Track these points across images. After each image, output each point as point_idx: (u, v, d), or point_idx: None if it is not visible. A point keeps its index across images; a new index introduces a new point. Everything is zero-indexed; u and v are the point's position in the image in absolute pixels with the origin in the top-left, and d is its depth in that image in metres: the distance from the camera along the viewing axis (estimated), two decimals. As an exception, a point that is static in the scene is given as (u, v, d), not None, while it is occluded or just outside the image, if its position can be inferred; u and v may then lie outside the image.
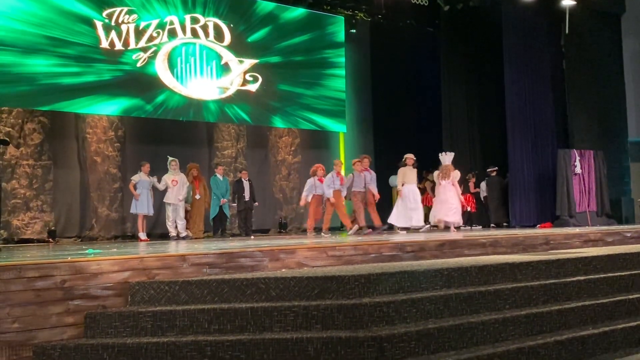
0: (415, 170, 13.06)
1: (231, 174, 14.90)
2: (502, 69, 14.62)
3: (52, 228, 12.57)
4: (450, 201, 12.57)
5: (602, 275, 7.02)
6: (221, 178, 13.72)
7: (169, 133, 13.99)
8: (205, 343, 5.06)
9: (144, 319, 5.40)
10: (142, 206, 12.35)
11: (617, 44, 15.85)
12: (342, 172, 13.20)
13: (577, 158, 14.06)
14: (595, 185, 14.38)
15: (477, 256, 7.98)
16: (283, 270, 6.60)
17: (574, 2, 14.08)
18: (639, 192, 15.69)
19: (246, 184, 13.95)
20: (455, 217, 12.62)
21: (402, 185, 12.80)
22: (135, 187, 12.33)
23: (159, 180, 12.58)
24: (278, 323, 5.29)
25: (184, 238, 12.40)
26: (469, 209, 15.13)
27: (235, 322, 5.32)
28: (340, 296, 5.51)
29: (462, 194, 13.53)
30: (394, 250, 7.54)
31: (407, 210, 12.65)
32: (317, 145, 16.64)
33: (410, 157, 12.90)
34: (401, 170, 12.91)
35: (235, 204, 13.85)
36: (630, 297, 6.70)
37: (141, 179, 12.42)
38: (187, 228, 12.80)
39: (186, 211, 12.91)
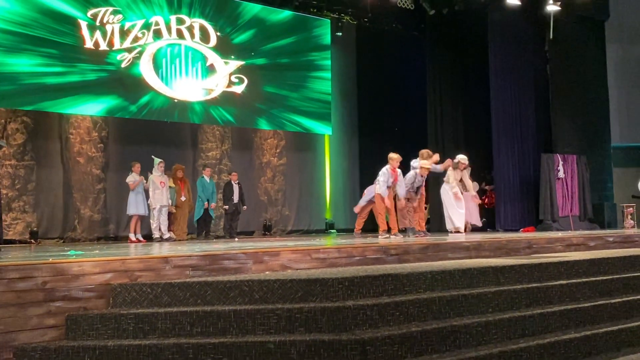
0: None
1: (215, 175, 14.85)
2: (487, 73, 14.69)
3: (34, 229, 12.47)
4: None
5: (584, 280, 7.06)
6: (208, 180, 13.70)
7: (153, 134, 13.93)
8: (187, 346, 5.03)
9: (125, 321, 5.36)
10: (138, 207, 12.27)
11: (601, 50, 15.99)
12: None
13: (561, 163, 14.16)
14: (578, 190, 14.48)
15: (460, 259, 8.00)
16: (267, 272, 6.58)
17: (559, 8, 14.19)
18: (621, 197, 15.81)
19: (236, 187, 13.92)
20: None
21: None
22: (134, 186, 12.29)
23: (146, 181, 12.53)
24: (261, 326, 5.27)
25: (167, 239, 12.34)
26: None
27: (218, 324, 5.30)
28: (324, 299, 5.50)
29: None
30: (378, 253, 7.54)
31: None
32: (303, 148, 16.64)
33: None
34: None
35: (227, 207, 13.80)
36: (612, 301, 6.74)
37: (135, 179, 12.36)
38: (170, 230, 12.73)
39: (171, 213, 12.84)
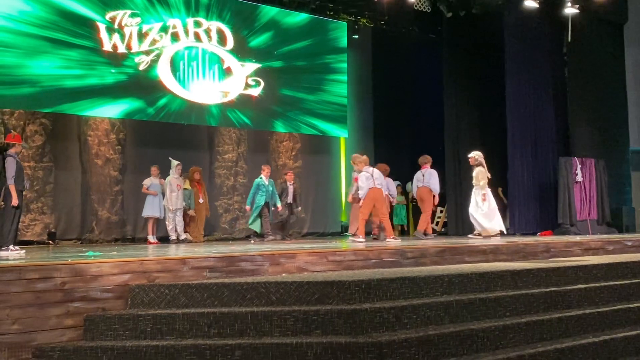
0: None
1: (232, 177, 14.89)
2: (504, 76, 14.61)
3: (53, 230, 12.56)
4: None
5: (602, 284, 7.02)
6: (267, 181, 13.13)
7: (170, 136, 13.99)
8: (204, 347, 5.05)
9: (143, 322, 5.39)
10: (154, 209, 12.35)
11: (619, 52, 15.87)
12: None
13: (579, 166, 14.05)
14: (596, 194, 14.36)
15: (477, 263, 7.97)
16: (283, 274, 6.60)
17: (577, 11, 14.10)
18: (640, 201, 15.69)
19: (290, 188, 13.63)
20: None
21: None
22: (145, 190, 12.43)
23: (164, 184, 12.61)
24: (278, 328, 5.28)
25: (182, 241, 12.40)
26: None
27: (235, 326, 5.32)
28: (341, 301, 5.50)
29: None
30: (395, 256, 7.54)
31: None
32: (318, 151, 16.64)
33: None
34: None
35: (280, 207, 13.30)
36: (631, 305, 6.69)
37: (152, 182, 12.43)
38: (187, 231, 12.80)
39: (189, 215, 12.91)
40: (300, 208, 13.97)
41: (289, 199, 13.56)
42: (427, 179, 12.50)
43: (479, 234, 12.12)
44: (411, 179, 13.25)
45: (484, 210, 12.10)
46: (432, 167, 12.73)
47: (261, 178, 13.15)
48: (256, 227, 13.19)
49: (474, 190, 12.28)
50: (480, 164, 12.24)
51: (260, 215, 13.04)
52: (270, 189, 13.12)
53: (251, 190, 13.21)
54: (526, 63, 14.55)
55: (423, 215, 12.50)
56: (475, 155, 12.42)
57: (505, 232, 12.62)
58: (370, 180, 10.89)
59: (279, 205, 13.20)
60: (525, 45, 14.61)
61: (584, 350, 5.73)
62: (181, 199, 12.56)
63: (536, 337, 5.77)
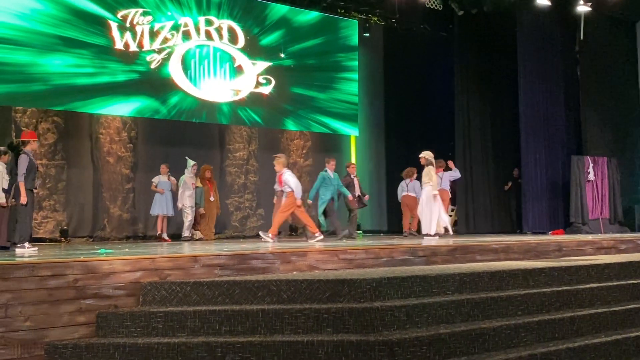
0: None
1: (242, 176, 14.92)
2: (516, 74, 14.56)
3: (65, 227, 12.63)
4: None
5: (615, 283, 6.98)
6: (332, 174, 12.18)
7: (181, 134, 14.03)
8: (216, 344, 5.06)
9: (155, 319, 5.41)
10: (162, 207, 12.42)
11: (632, 51, 15.76)
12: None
13: (591, 165, 13.99)
14: (608, 193, 14.29)
15: (489, 262, 7.95)
16: (294, 272, 6.61)
17: (589, 9, 14.01)
18: (652, 200, 15.57)
19: (355, 180, 12.96)
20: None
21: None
22: (154, 188, 12.54)
23: (177, 182, 12.65)
24: (289, 325, 5.29)
25: (190, 238, 12.46)
26: None
27: (246, 323, 5.33)
28: (352, 300, 5.50)
29: None
30: (406, 254, 7.53)
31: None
32: (329, 149, 16.63)
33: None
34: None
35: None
36: (644, 305, 6.65)
37: (160, 180, 12.48)
38: (197, 229, 12.85)
39: (200, 213, 12.95)
40: (367, 197, 13.34)
41: (356, 192, 12.85)
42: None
43: (435, 234, 11.81)
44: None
45: (433, 210, 11.94)
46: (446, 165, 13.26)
47: (326, 171, 12.20)
48: (323, 223, 12.34)
49: (424, 189, 12.09)
50: (430, 164, 12.15)
51: (326, 211, 12.18)
52: (336, 182, 12.20)
53: (315, 183, 12.35)
54: (538, 61, 14.49)
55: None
56: (426, 155, 12.29)
57: (451, 232, 12.50)
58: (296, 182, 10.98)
59: (349, 195, 12.36)
60: (537, 43, 14.55)
61: (596, 349, 5.70)
62: (194, 198, 12.60)
63: (548, 336, 5.75)
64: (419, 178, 12.90)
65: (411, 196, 13.64)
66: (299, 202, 10.93)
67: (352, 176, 13.05)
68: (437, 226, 11.87)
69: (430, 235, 11.61)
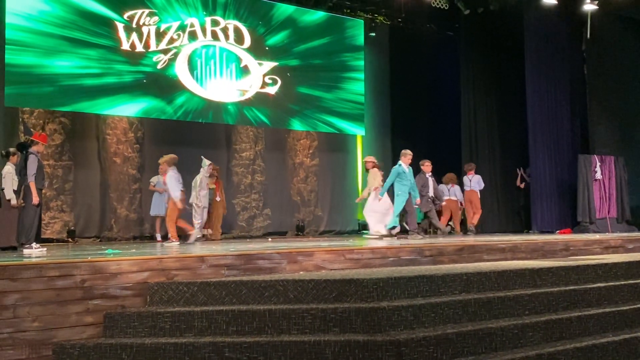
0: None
1: (249, 175, 14.93)
2: (523, 73, 14.53)
3: (72, 228, 12.66)
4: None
5: (622, 282, 6.96)
6: (407, 169, 11.32)
7: (187, 135, 14.04)
8: (223, 344, 5.07)
9: (162, 320, 5.42)
10: (160, 208, 12.42)
11: (639, 49, 15.70)
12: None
13: (598, 164, 13.95)
14: (615, 192, 14.25)
15: (496, 261, 7.93)
16: (301, 272, 6.61)
17: (596, 7, 13.97)
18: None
19: (430, 180, 12.23)
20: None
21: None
22: (154, 187, 12.51)
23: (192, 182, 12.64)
24: (296, 325, 5.29)
25: (203, 237, 12.47)
26: None
27: (253, 323, 5.33)
28: (359, 300, 5.50)
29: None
30: (413, 254, 7.52)
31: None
32: (335, 148, 16.63)
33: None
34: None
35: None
36: (652, 304, 6.62)
37: (159, 180, 12.50)
38: (206, 227, 12.85)
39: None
40: (444, 203, 13.07)
41: (430, 192, 12.13)
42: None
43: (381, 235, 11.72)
44: None
45: (378, 211, 11.91)
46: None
47: (400, 165, 11.36)
48: (395, 221, 11.55)
49: (371, 192, 12.13)
50: (375, 166, 12.42)
51: (405, 209, 11.42)
52: (411, 178, 11.38)
53: (388, 178, 11.51)
54: (545, 60, 14.45)
55: (476, 215, 13.95)
56: (370, 158, 12.73)
57: (395, 235, 11.90)
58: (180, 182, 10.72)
59: (418, 198, 11.50)
60: (544, 42, 14.51)
61: (603, 349, 5.68)
62: (207, 198, 12.57)
63: (555, 336, 5.73)
64: (459, 183, 14.32)
65: (453, 200, 14.25)
66: (179, 204, 10.63)
67: (427, 175, 12.30)
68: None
69: (379, 234, 11.72)
